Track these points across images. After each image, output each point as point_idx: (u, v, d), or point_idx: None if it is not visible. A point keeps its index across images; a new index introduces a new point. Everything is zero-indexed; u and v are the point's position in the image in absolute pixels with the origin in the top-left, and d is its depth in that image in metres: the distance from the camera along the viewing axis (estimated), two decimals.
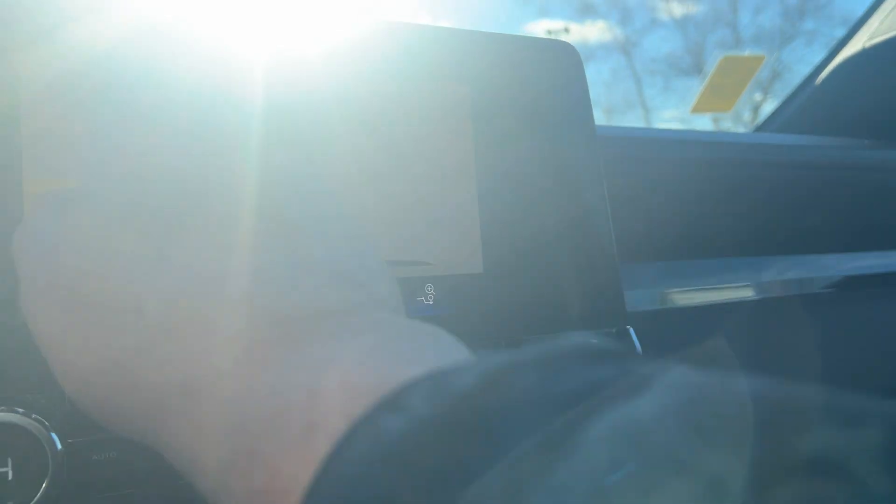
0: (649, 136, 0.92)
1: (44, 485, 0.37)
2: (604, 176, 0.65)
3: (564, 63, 0.65)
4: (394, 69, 0.56)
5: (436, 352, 0.27)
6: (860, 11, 1.34)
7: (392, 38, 0.56)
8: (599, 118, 0.78)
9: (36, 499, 0.37)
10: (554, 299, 0.61)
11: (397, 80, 0.56)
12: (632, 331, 0.65)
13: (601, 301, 0.63)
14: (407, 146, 0.56)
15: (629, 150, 0.82)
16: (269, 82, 0.52)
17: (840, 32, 1.39)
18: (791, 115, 1.41)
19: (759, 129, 1.41)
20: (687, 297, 0.75)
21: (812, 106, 1.37)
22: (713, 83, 1.64)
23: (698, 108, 1.80)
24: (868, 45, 1.29)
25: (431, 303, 0.56)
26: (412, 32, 0.58)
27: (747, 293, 0.77)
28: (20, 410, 0.37)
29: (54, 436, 0.38)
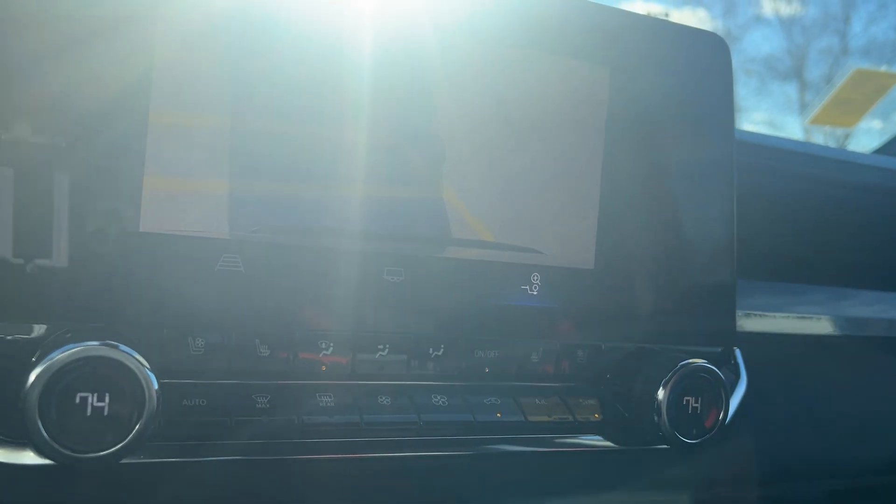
0: (779, 146, 0.86)
1: (138, 425, 0.36)
2: (736, 184, 0.60)
3: (712, 56, 0.60)
4: (528, 40, 0.53)
5: None
6: None
7: (529, 6, 0.53)
8: None
9: (128, 438, 0.36)
10: (662, 308, 0.57)
11: (531, 53, 0.53)
12: (738, 353, 0.61)
13: (711, 317, 0.59)
14: (532, 124, 0.53)
15: (760, 158, 0.76)
16: (392, 52, 0.49)
17: None
18: None
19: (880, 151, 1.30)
20: (806, 324, 0.69)
21: None
22: (840, 96, 1.53)
23: (819, 120, 1.69)
24: None
25: (535, 293, 0.53)
26: (558, 1, 0.54)
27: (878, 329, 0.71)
28: (123, 347, 0.37)
29: (151, 375, 0.38)
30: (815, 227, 0.78)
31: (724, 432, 0.54)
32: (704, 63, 0.59)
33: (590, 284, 0.55)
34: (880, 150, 1.34)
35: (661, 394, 0.51)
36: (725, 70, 0.60)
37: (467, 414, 0.49)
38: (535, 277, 0.53)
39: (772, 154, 0.77)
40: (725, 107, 0.60)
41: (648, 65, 0.56)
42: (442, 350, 0.50)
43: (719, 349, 0.60)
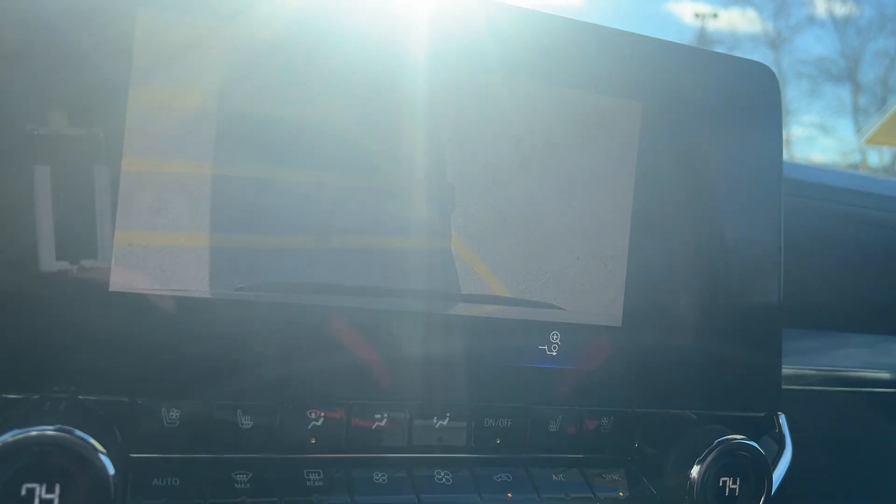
0: (818, 180, 0.79)
1: None
2: (782, 231, 0.54)
3: (758, 89, 0.54)
4: (554, 72, 0.47)
5: None
6: None
7: (554, 34, 0.48)
8: None
9: None
10: (698, 370, 0.51)
11: (557, 86, 0.47)
12: (783, 418, 0.55)
13: (753, 379, 0.53)
14: (556, 163, 0.48)
15: (803, 193, 0.69)
16: (402, 87, 0.44)
17: None
18: None
19: None
20: (857, 376, 0.63)
21: None
22: None
23: (876, 140, 1.61)
24: None
25: (555, 354, 0.48)
26: (579, 30, 0.49)
27: None
28: (77, 433, 0.32)
29: (108, 462, 0.33)
30: (850, 269, 0.71)
31: None
32: (749, 97, 0.53)
33: (617, 343, 0.49)
34: None
35: (694, 472, 0.45)
36: (773, 104, 0.54)
37: (473, 494, 0.43)
38: (555, 336, 0.48)
39: (810, 188, 0.71)
40: (773, 146, 0.54)
41: (685, 100, 0.50)
42: (447, 419, 0.45)
43: (762, 414, 0.54)
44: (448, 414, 0.45)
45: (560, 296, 0.48)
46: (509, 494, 0.44)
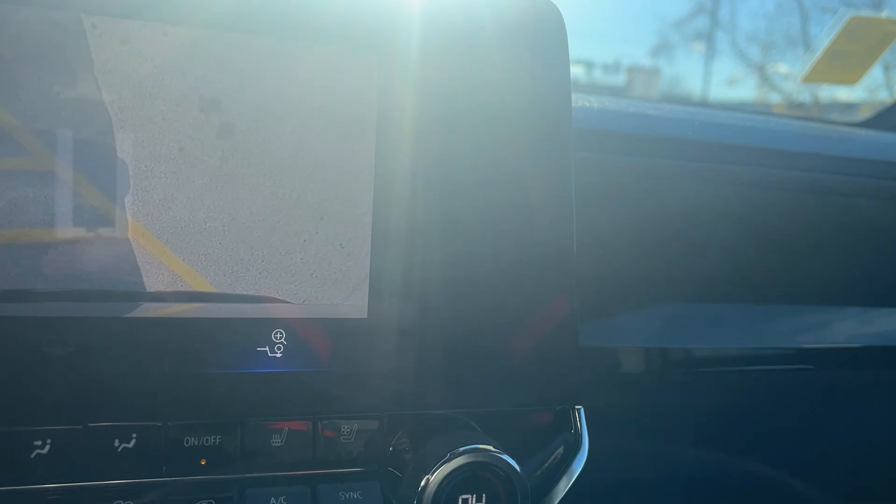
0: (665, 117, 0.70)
1: None
2: (574, 197, 0.46)
3: (541, 27, 0.45)
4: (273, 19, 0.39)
5: None
6: None
7: None
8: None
9: None
10: (471, 364, 0.44)
11: (285, 34, 0.39)
12: (581, 413, 0.48)
13: (543, 372, 0.46)
14: (267, 128, 0.40)
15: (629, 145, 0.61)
16: None
17: None
18: None
19: (869, 124, 1.10)
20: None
21: None
22: (835, 48, 1.35)
23: (813, 78, 1.50)
24: None
25: (279, 355, 0.40)
26: None
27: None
28: None
29: None
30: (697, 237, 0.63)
31: None
32: (530, 35, 0.45)
33: (363, 338, 0.42)
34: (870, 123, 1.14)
35: (426, 488, 0.38)
36: (558, 44, 0.45)
37: None
38: (279, 335, 0.41)
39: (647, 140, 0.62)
40: (558, 97, 0.45)
41: (439, 45, 0.42)
42: (133, 440, 0.38)
43: (557, 408, 0.47)
44: (134, 436, 0.38)
45: (284, 287, 0.41)
46: None
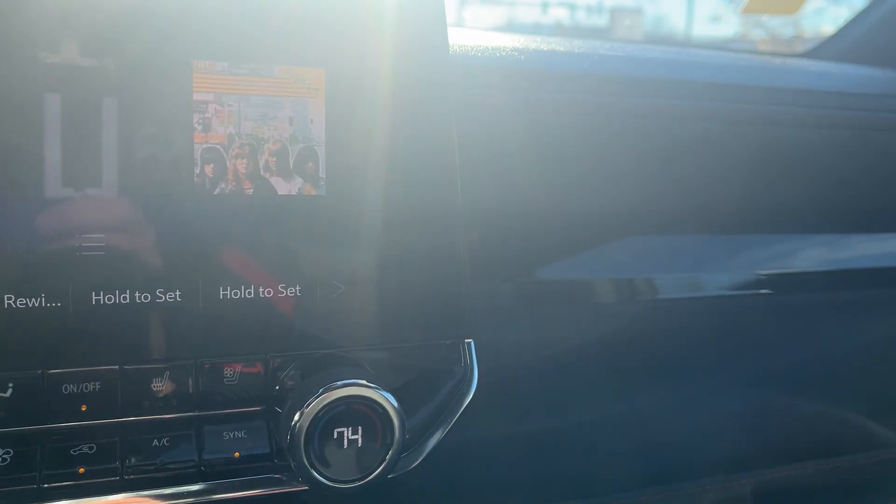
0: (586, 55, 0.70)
1: None
2: (456, 138, 0.47)
3: None
4: None
5: None
6: None
7: None
8: None
9: None
10: (357, 302, 0.45)
11: None
12: (471, 345, 0.49)
13: (431, 305, 0.47)
14: None
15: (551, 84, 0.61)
16: None
17: None
18: (862, 36, 1.04)
19: (811, 54, 1.07)
20: None
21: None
22: None
23: (752, 9, 1.48)
24: None
25: None
26: None
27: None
28: None
29: None
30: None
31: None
32: None
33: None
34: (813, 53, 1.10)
35: (301, 421, 0.39)
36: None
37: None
38: None
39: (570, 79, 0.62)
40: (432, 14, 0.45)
41: None
42: (10, 390, 0.39)
43: (447, 342, 0.48)
44: (11, 385, 0.39)
45: None
46: (81, 470, 0.39)
